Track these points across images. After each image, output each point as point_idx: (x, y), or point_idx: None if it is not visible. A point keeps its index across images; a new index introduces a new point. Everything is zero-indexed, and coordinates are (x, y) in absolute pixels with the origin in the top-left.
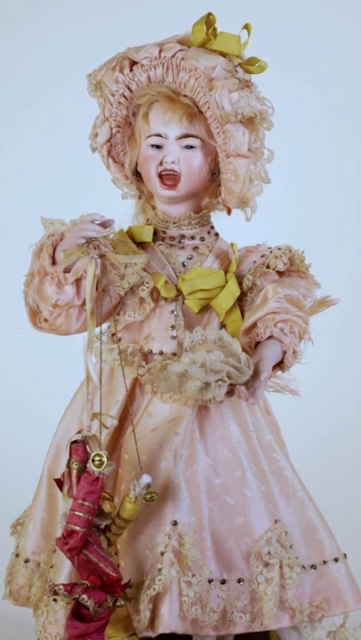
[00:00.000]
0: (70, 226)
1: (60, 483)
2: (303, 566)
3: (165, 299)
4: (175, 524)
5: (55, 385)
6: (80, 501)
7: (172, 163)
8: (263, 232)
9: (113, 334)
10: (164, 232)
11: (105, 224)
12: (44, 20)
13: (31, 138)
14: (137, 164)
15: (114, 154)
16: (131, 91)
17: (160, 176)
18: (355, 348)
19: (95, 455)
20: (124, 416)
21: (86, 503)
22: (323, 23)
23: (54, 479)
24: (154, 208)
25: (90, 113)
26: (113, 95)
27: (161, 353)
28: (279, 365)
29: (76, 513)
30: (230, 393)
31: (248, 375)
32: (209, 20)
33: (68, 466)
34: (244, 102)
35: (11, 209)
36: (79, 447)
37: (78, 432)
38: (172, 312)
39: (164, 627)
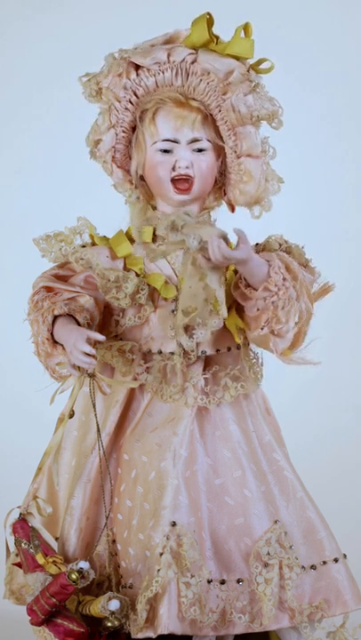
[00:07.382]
0: (67, 233)
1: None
2: (303, 567)
3: (165, 299)
4: (174, 524)
5: (55, 385)
6: (48, 594)
7: (187, 167)
8: (263, 232)
9: (115, 335)
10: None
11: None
12: (43, 19)
13: (31, 138)
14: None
15: (117, 159)
16: (137, 96)
17: (173, 181)
18: (355, 347)
19: (72, 573)
20: (124, 416)
21: (53, 600)
22: (323, 23)
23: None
24: (154, 208)
25: (90, 113)
26: (119, 101)
27: (160, 352)
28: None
29: (42, 602)
30: (203, 250)
31: (221, 232)
32: (209, 21)
33: (16, 545)
34: (259, 104)
35: (11, 209)
36: (18, 525)
37: (18, 507)
38: (173, 312)
39: (163, 627)
